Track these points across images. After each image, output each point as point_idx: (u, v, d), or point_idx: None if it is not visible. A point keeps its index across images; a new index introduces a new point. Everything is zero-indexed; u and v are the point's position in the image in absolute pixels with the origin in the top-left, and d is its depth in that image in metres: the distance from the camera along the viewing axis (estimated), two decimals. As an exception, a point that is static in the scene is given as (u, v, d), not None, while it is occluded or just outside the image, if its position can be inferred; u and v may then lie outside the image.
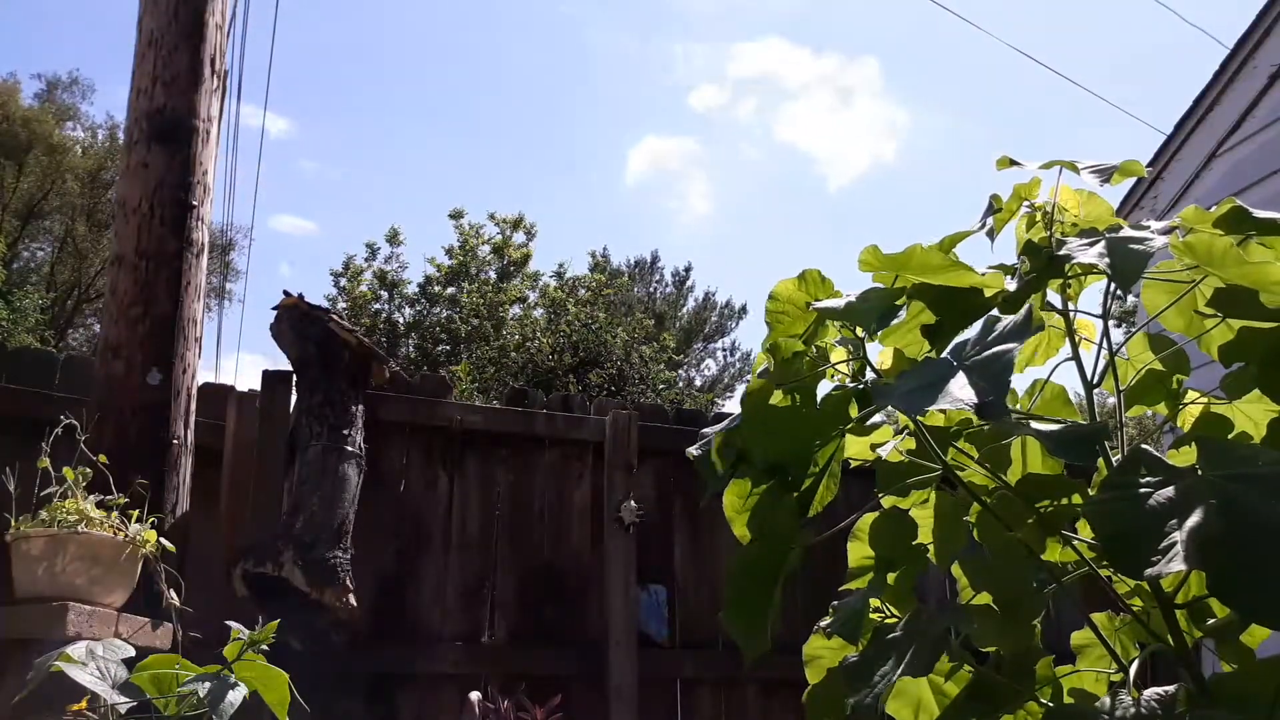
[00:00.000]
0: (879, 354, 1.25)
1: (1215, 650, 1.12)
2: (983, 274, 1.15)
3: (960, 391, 0.96)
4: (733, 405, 21.77)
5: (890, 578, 1.24)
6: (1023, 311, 1.05)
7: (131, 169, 3.26)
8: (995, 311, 1.13)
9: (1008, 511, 1.12)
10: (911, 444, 1.23)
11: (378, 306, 17.79)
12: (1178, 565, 0.80)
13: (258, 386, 3.46)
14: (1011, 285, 1.14)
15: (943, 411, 1.18)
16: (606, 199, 36.48)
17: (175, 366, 3.12)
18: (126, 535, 2.49)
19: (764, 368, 1.27)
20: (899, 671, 1.03)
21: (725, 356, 23.25)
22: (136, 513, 2.54)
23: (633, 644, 3.75)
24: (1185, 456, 1.05)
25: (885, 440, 1.27)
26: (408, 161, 35.57)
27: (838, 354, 1.26)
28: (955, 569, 1.20)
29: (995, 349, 1.01)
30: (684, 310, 23.27)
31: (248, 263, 20.36)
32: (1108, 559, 0.93)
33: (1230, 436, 1.19)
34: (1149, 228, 1.09)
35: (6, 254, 18.14)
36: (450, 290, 17.67)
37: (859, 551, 1.29)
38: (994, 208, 1.25)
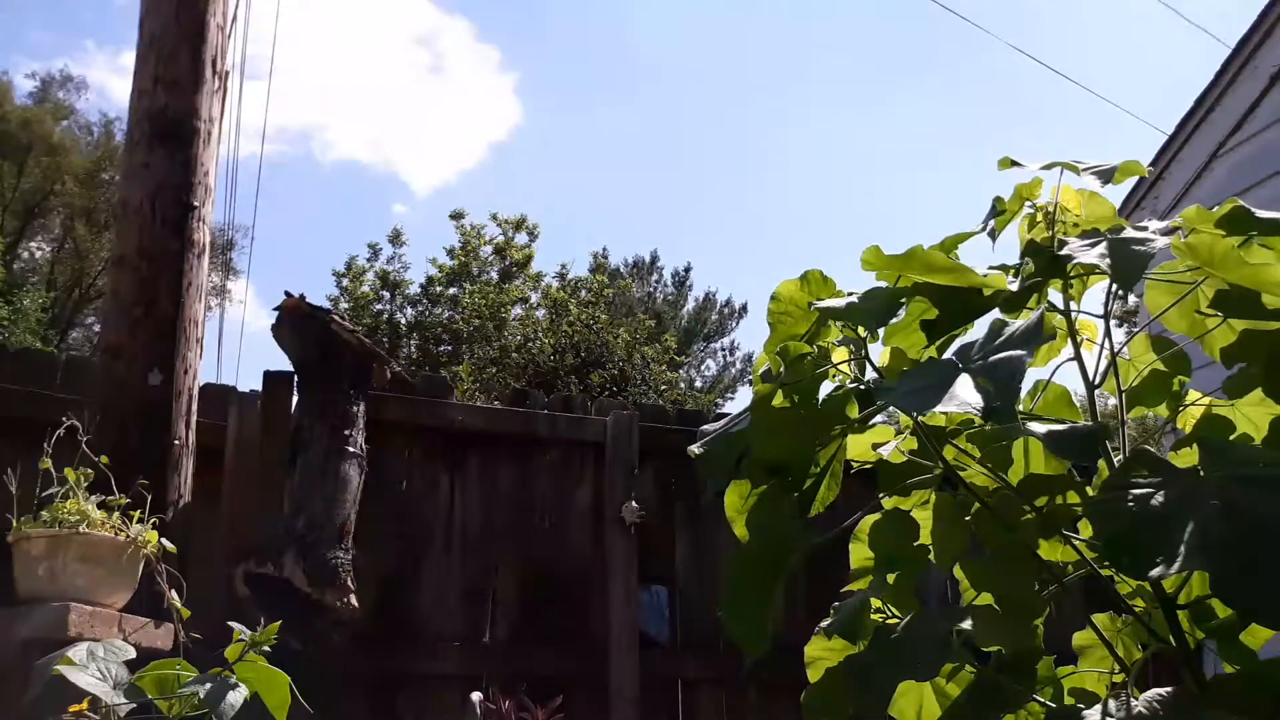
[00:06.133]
0: (881, 354, 1.25)
1: (1217, 651, 1.12)
2: (984, 275, 1.15)
3: (966, 394, 0.95)
4: (733, 406, 21.74)
5: (891, 578, 1.23)
6: (1034, 317, 1.05)
7: (133, 170, 3.26)
8: (998, 313, 1.13)
9: (1009, 512, 1.12)
10: (913, 444, 1.23)
11: (380, 307, 17.79)
12: (1179, 566, 0.80)
13: (259, 387, 3.47)
14: (1013, 286, 1.14)
15: (944, 413, 1.18)
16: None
17: (176, 367, 3.12)
18: (128, 536, 2.49)
19: (765, 369, 1.27)
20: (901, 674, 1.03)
21: (725, 357, 23.24)
22: (138, 513, 2.54)
23: (634, 644, 3.75)
24: (1187, 458, 1.04)
25: (886, 440, 1.27)
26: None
27: (839, 354, 1.26)
28: (957, 570, 1.20)
29: (1007, 354, 1.00)
30: (684, 310, 23.24)
31: (249, 263, 20.33)
32: (1109, 559, 0.93)
33: (1231, 438, 1.19)
34: (1150, 228, 1.09)
35: (6, 254, 18.14)
36: (452, 291, 17.67)
37: (860, 552, 1.29)
38: (996, 209, 1.25)
